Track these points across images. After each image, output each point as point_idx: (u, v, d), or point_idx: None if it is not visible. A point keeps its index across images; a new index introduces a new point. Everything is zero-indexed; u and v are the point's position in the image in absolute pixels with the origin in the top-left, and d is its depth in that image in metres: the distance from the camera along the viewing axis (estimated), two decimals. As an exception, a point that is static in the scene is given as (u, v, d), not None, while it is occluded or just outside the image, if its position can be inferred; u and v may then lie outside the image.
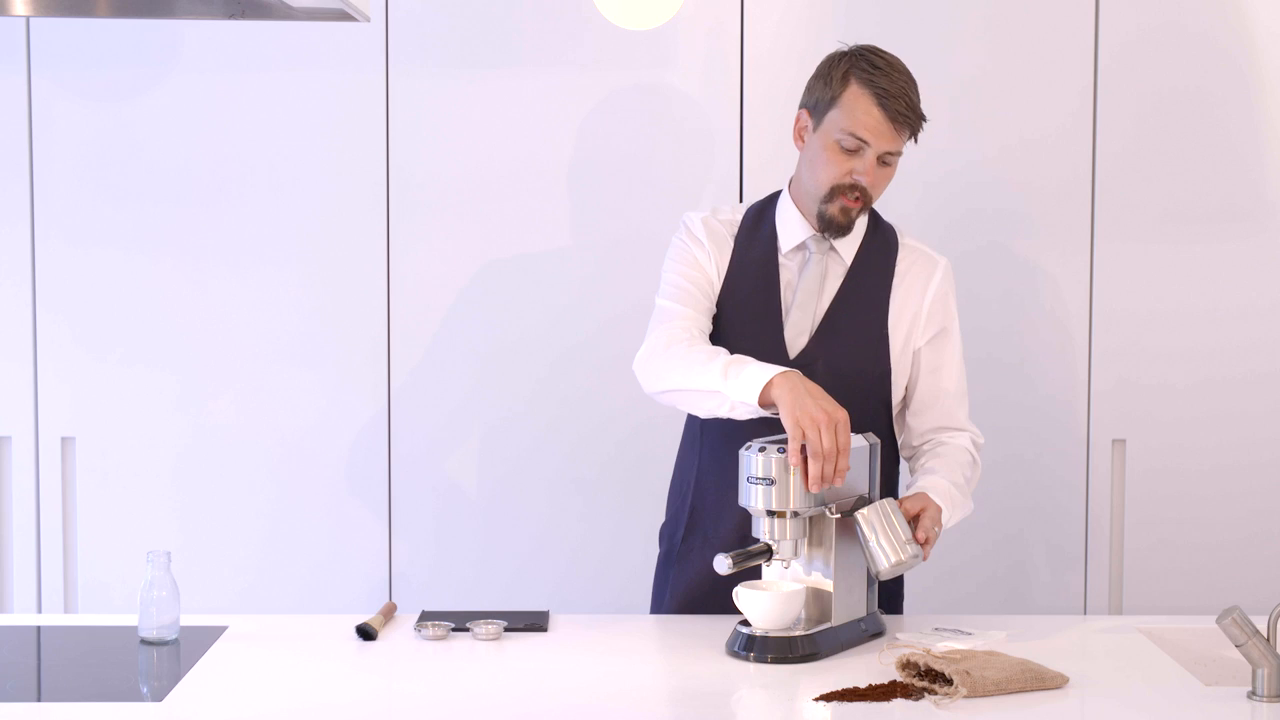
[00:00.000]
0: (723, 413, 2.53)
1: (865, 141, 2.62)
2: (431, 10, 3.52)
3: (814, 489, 2.40)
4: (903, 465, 2.85)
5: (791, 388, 2.42)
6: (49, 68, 3.52)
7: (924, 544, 2.50)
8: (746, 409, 2.49)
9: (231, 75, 3.53)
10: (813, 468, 2.39)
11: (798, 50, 3.43)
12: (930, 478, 2.65)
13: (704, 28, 3.53)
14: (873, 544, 2.47)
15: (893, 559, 2.46)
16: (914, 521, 2.53)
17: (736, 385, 2.48)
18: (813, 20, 3.50)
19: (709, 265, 2.74)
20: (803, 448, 2.39)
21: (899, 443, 2.81)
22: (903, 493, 2.73)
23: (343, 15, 2.65)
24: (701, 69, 3.54)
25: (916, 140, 2.68)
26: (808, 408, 2.39)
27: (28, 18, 3.47)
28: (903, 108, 2.61)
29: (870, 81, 2.61)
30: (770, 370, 2.46)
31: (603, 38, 3.51)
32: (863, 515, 2.47)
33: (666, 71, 3.54)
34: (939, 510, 2.56)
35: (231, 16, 2.70)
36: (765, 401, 2.45)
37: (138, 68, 3.53)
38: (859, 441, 2.50)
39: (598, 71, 3.53)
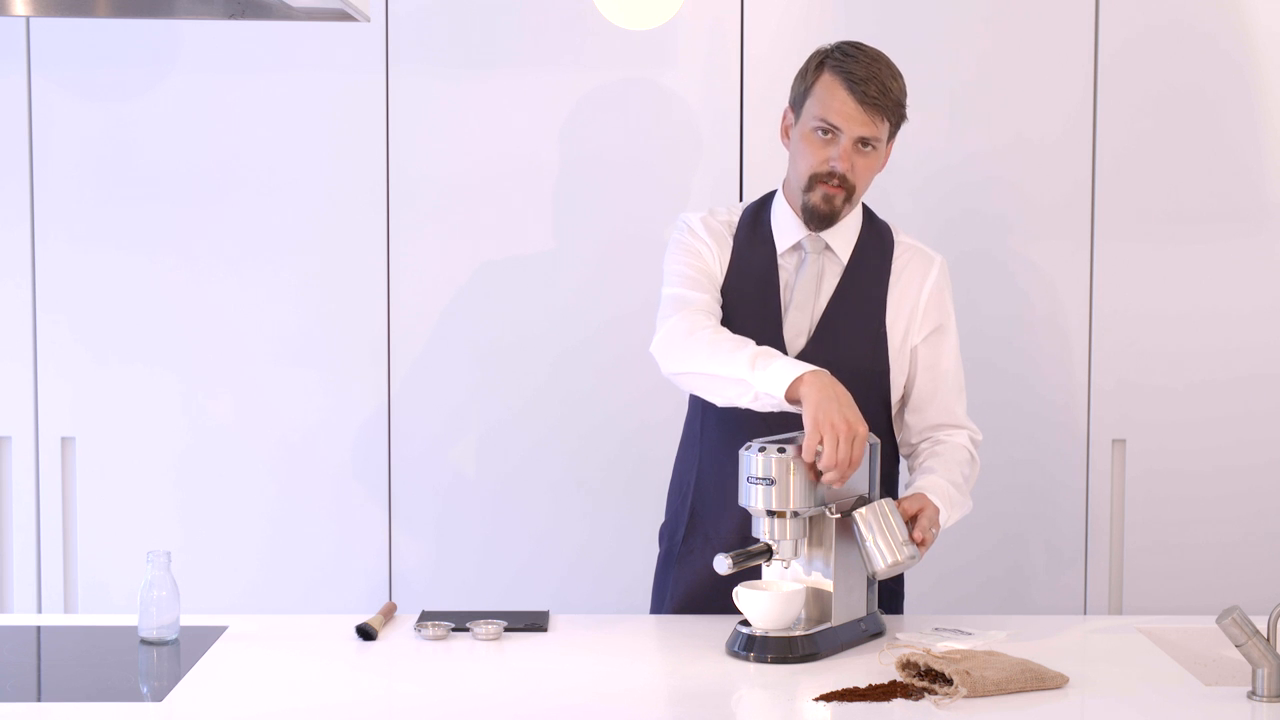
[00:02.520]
0: (743, 402, 2.52)
1: (837, 127, 2.62)
2: (431, 10, 3.52)
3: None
4: (902, 464, 2.85)
5: (821, 388, 2.42)
6: (49, 68, 3.52)
7: (921, 544, 2.50)
8: (771, 401, 2.48)
9: (231, 75, 3.53)
10: (822, 470, 2.40)
11: (797, 50, 3.41)
12: (928, 477, 2.65)
13: (704, 28, 3.53)
14: (870, 544, 2.47)
15: (889, 559, 2.46)
16: (912, 522, 2.53)
17: (764, 376, 2.47)
18: (812, 20, 3.50)
19: (713, 261, 2.74)
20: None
21: (898, 440, 2.81)
22: (902, 492, 2.73)
23: (343, 15, 2.66)
24: (701, 69, 3.54)
25: (896, 127, 2.67)
26: (831, 414, 2.39)
27: (28, 18, 3.47)
28: (874, 92, 2.61)
29: (841, 68, 2.62)
30: (801, 367, 2.46)
31: (603, 38, 3.51)
32: (860, 515, 2.47)
33: (666, 71, 3.54)
34: (937, 511, 2.56)
35: (231, 16, 2.70)
36: (792, 396, 2.45)
37: (138, 68, 3.53)
38: (861, 443, 2.50)
39: (598, 71, 3.53)
